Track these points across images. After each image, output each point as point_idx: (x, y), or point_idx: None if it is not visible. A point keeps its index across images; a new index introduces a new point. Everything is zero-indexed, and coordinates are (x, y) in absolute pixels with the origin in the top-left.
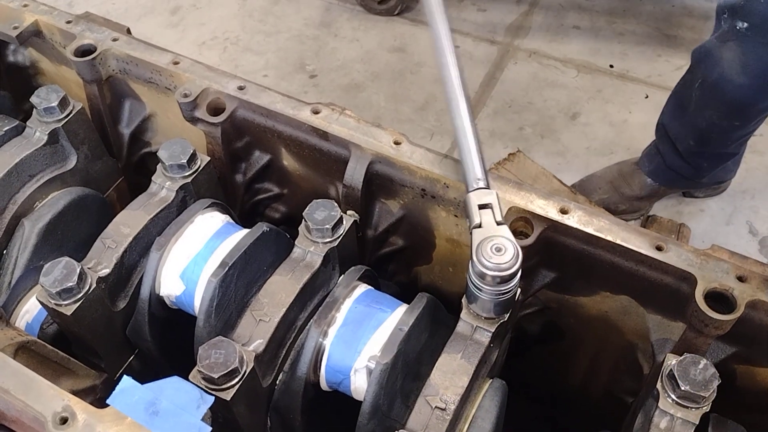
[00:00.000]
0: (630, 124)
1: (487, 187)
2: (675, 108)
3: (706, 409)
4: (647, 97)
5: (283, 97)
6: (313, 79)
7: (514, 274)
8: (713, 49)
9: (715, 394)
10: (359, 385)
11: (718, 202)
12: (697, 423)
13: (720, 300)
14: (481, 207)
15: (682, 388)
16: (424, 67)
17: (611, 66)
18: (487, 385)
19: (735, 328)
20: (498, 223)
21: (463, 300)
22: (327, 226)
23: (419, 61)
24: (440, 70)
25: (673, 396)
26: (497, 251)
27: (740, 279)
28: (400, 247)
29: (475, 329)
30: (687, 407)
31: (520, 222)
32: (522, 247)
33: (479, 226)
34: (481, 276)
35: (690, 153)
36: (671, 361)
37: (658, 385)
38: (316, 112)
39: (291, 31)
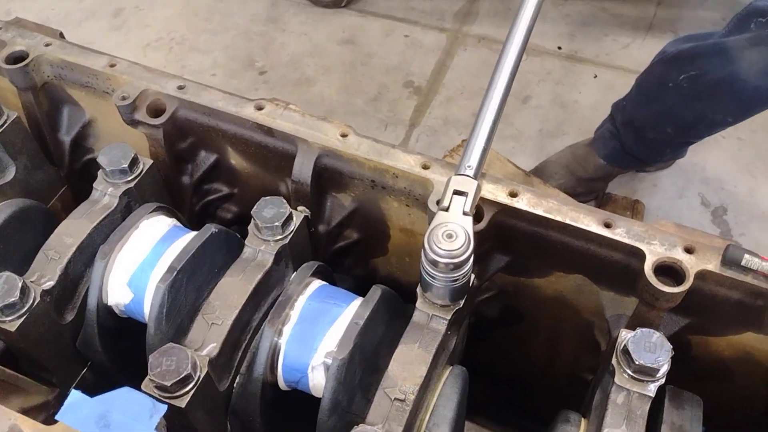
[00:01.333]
0: (580, 105)
1: (474, 178)
2: (643, 96)
3: (662, 381)
4: (596, 76)
5: (224, 94)
6: (263, 76)
7: (465, 261)
8: (733, 49)
9: (669, 367)
10: (317, 382)
11: (670, 176)
12: (653, 396)
13: (669, 273)
14: (456, 193)
15: (637, 363)
16: (375, 58)
17: (559, 48)
18: (447, 372)
19: (686, 299)
20: (464, 213)
21: (418, 289)
22: (276, 224)
23: (369, 52)
24: (500, 56)
25: (628, 371)
26: (448, 238)
27: (688, 251)
28: (354, 240)
29: (431, 318)
30: (642, 381)
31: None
32: (474, 233)
33: (446, 209)
34: (434, 263)
35: (662, 141)
36: (625, 336)
37: (614, 361)
38: (259, 108)
39: (238, 29)
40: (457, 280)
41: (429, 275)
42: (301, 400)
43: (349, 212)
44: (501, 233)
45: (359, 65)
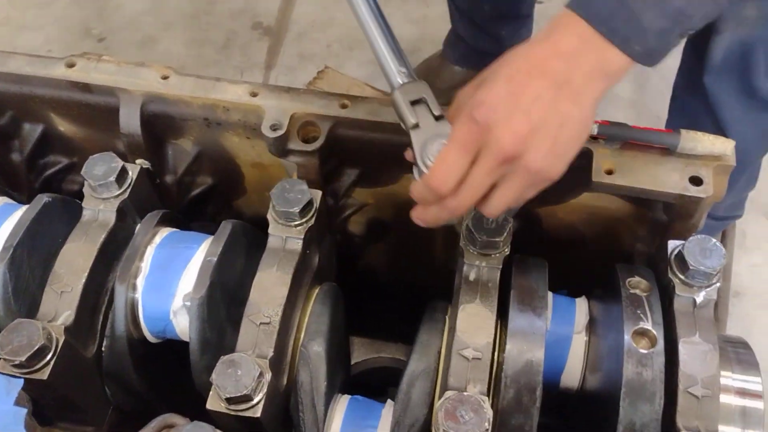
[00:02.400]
0: (430, 18)
1: (415, 79)
2: None
3: (507, 251)
4: None
5: (31, 58)
6: (103, 43)
7: None
8: None
9: (510, 237)
10: (183, 326)
11: None
12: (501, 266)
13: None
14: (414, 103)
15: (479, 239)
16: (218, 4)
17: None
18: (317, 290)
19: None
20: (437, 118)
21: (269, 215)
22: (111, 179)
23: (211, 0)
24: None
25: (474, 248)
26: None
27: None
28: (210, 185)
29: (285, 240)
30: (488, 255)
31: (308, 127)
32: (315, 150)
33: (417, 126)
34: None
35: (487, 21)
36: (466, 217)
37: (461, 243)
38: (71, 66)
39: None
40: None
41: None
42: (176, 348)
43: (193, 157)
44: (343, 146)
45: (202, 15)
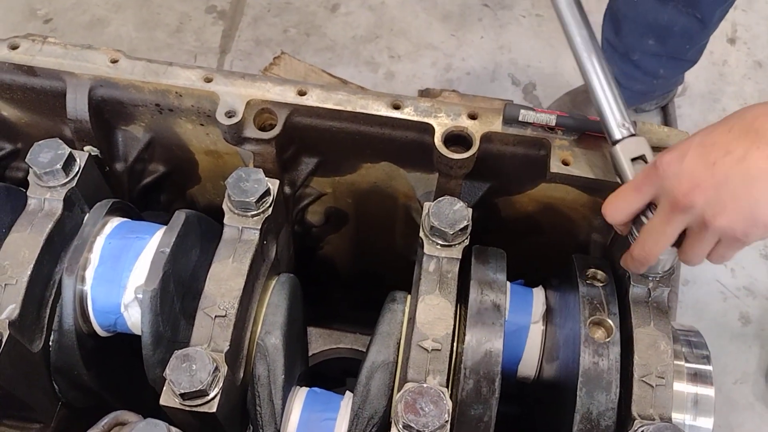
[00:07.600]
0: (388, 5)
1: (634, 134)
2: (618, 19)
3: (466, 242)
4: None
5: None
6: (49, 24)
7: None
8: None
9: (470, 227)
10: (135, 319)
11: (479, 62)
12: (461, 257)
13: (458, 141)
14: (635, 159)
15: (440, 230)
16: None
17: None
18: (274, 281)
19: (479, 164)
20: None
21: (225, 205)
22: (57, 167)
23: None
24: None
25: (434, 239)
26: None
27: (472, 117)
28: (162, 173)
29: (241, 231)
30: (449, 245)
31: (264, 114)
32: (272, 138)
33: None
34: None
35: (648, 56)
36: (427, 207)
37: (421, 234)
38: (14, 48)
39: None
40: None
41: None
42: (127, 341)
43: (145, 144)
44: (301, 135)
45: None
